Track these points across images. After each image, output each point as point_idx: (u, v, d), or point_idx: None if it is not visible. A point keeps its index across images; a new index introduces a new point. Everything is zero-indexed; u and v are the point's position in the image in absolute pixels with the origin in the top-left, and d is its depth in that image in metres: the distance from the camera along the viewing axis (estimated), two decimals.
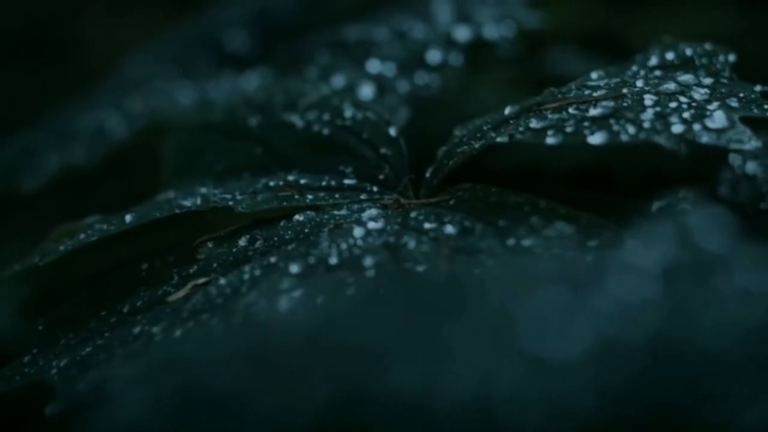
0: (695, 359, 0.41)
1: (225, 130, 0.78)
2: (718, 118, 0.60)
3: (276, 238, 0.64)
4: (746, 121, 0.60)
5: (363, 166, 0.71)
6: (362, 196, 0.69)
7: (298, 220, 0.66)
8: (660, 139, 0.59)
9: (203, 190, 0.73)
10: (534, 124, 0.63)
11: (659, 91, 0.63)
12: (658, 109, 0.61)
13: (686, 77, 0.66)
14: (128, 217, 0.68)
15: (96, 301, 0.66)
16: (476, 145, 0.64)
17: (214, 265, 0.64)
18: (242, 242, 0.65)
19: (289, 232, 0.65)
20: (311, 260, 0.61)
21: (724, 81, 0.66)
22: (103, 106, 0.98)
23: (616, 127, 0.60)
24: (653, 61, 0.69)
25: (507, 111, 0.67)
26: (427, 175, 0.69)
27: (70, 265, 0.70)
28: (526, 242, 0.59)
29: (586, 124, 0.61)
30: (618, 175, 0.80)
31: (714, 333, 0.42)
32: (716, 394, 0.41)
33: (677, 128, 0.59)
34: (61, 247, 0.68)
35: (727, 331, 0.42)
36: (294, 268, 0.60)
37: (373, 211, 0.65)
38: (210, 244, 0.66)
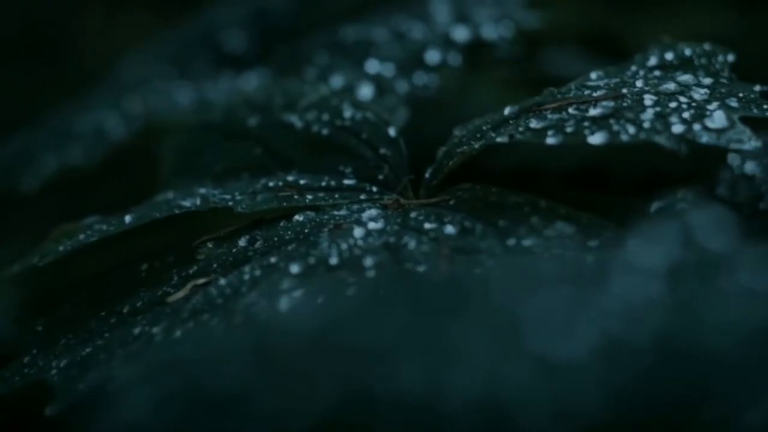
0: (699, 358, 0.41)
1: (224, 130, 0.78)
2: (717, 118, 0.60)
3: (276, 239, 0.64)
4: (746, 121, 0.60)
5: (362, 166, 0.71)
6: (362, 197, 0.69)
7: (297, 221, 0.66)
8: (660, 139, 0.59)
9: (202, 190, 0.73)
10: (534, 124, 0.63)
11: (659, 91, 0.63)
12: (657, 109, 0.61)
13: (686, 77, 0.66)
14: (127, 218, 0.68)
15: (96, 301, 0.66)
16: (476, 146, 0.64)
17: (214, 265, 0.64)
18: (242, 242, 0.65)
19: (289, 233, 0.65)
20: (311, 260, 0.61)
21: (724, 81, 0.66)
22: (102, 107, 0.98)
23: (616, 127, 0.60)
24: (652, 61, 0.69)
25: (507, 111, 0.67)
26: (427, 175, 0.69)
27: (69, 265, 0.70)
28: (527, 242, 0.59)
29: (586, 124, 0.61)
30: (618, 175, 0.80)
31: (718, 332, 0.42)
32: (721, 393, 0.41)
33: (677, 128, 0.59)
34: (61, 248, 0.68)
35: (731, 330, 0.42)
36: (294, 269, 0.60)
37: (373, 212, 0.65)
38: (210, 245, 0.66)
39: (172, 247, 0.67)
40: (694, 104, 0.61)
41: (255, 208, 0.67)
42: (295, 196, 0.68)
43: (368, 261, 0.60)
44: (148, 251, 0.68)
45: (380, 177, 0.70)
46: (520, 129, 0.63)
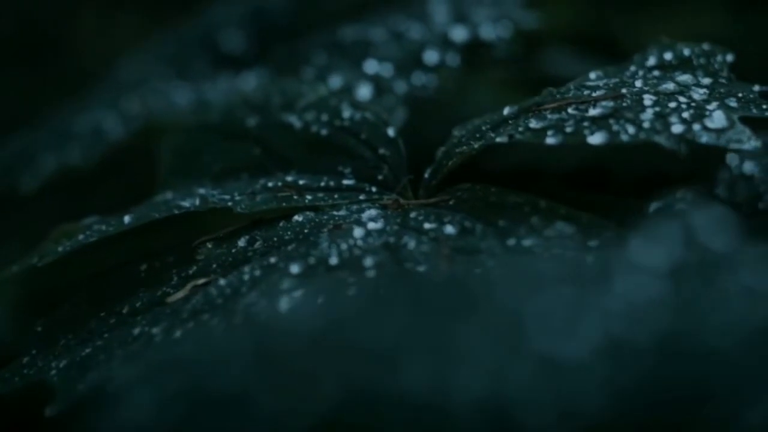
0: (700, 358, 0.41)
1: (223, 130, 0.78)
2: (717, 118, 0.60)
3: (275, 239, 0.64)
4: (745, 121, 0.60)
5: (361, 166, 0.71)
6: (361, 197, 0.69)
7: (297, 221, 0.66)
8: (660, 139, 0.59)
9: (201, 190, 0.73)
10: (533, 124, 0.63)
11: (658, 91, 0.63)
12: (657, 109, 0.61)
13: (685, 77, 0.66)
14: (127, 218, 0.68)
15: (95, 301, 0.66)
16: (475, 146, 0.64)
17: (214, 265, 0.64)
18: (241, 243, 0.65)
19: (289, 233, 0.65)
20: (311, 260, 0.61)
21: (723, 81, 0.66)
22: (101, 107, 0.97)
23: (615, 127, 0.60)
24: (651, 61, 0.69)
25: (506, 111, 0.67)
26: (426, 175, 0.69)
27: (68, 266, 0.70)
28: (527, 242, 0.59)
29: (585, 124, 0.61)
30: (618, 175, 0.80)
31: (719, 332, 0.42)
32: (722, 393, 0.41)
33: (677, 128, 0.59)
34: (60, 248, 0.67)
35: (732, 329, 0.42)
36: (294, 269, 0.60)
37: (373, 212, 0.65)
38: (209, 245, 0.66)
39: (172, 248, 0.67)
40: (693, 104, 0.61)
41: (254, 208, 0.67)
42: (295, 197, 0.68)
43: (368, 261, 0.60)
44: (148, 251, 0.68)
45: (379, 177, 0.70)
46: (520, 129, 0.63)
